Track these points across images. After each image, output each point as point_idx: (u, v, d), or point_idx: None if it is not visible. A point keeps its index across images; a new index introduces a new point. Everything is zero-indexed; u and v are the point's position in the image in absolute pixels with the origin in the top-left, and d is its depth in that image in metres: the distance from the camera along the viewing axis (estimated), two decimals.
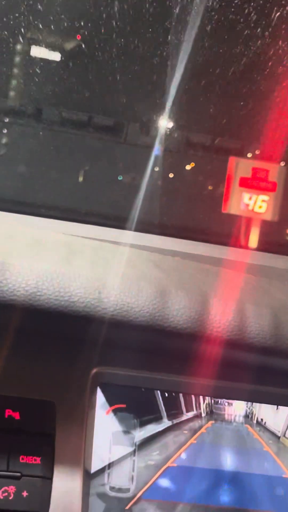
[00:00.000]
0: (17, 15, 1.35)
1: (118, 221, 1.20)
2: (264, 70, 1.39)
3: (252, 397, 0.95)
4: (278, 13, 1.32)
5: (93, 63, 1.44)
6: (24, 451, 0.84)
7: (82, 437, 0.86)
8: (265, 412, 0.95)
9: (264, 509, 0.92)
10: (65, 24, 1.38)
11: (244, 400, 0.95)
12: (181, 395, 0.92)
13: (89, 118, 1.43)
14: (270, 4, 1.32)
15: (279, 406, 0.95)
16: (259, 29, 1.35)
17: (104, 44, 1.38)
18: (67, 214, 1.20)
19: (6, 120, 1.50)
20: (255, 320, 0.88)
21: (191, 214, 1.43)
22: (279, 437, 0.95)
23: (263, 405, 0.95)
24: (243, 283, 0.97)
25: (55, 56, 1.46)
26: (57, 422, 0.86)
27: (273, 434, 0.95)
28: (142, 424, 0.90)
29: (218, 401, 0.94)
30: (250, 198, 1.34)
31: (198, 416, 0.93)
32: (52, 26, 1.41)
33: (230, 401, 0.94)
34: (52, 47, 1.45)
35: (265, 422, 0.95)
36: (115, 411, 0.90)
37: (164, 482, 0.89)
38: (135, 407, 0.90)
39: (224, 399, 0.94)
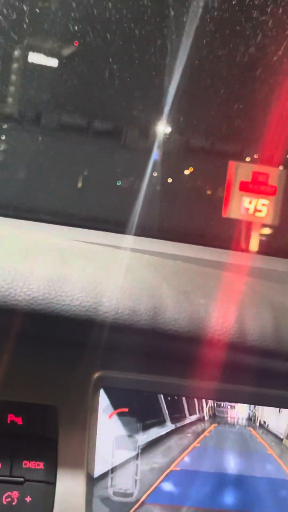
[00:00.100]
0: (14, 20, 1.35)
1: (120, 226, 1.20)
2: (264, 74, 1.39)
3: (255, 400, 0.95)
4: (277, 18, 1.32)
5: (91, 67, 1.44)
6: (27, 456, 0.83)
7: (85, 441, 0.86)
8: (268, 414, 0.95)
9: None
10: (63, 29, 1.38)
11: (247, 403, 0.95)
12: (183, 398, 0.92)
13: (88, 123, 1.43)
14: (269, 9, 1.32)
15: (281, 409, 0.95)
16: (258, 34, 1.35)
17: (102, 49, 1.38)
18: (66, 219, 1.20)
19: (5, 126, 1.50)
20: (256, 323, 0.88)
21: (191, 218, 1.43)
22: (282, 439, 0.95)
23: (266, 408, 0.95)
24: (243, 286, 0.98)
25: (53, 61, 1.46)
26: (59, 426, 0.85)
27: (276, 436, 0.94)
28: (145, 427, 0.90)
29: (220, 404, 0.94)
30: (250, 202, 1.34)
31: (201, 419, 0.93)
32: (50, 31, 1.41)
33: (232, 404, 0.94)
34: (50, 52, 1.45)
35: (267, 425, 0.95)
36: (117, 415, 0.89)
37: (168, 486, 0.89)
38: (138, 411, 0.90)
39: (226, 402, 0.94)
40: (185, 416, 0.92)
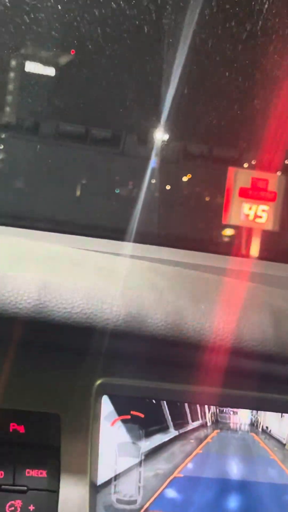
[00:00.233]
0: (11, 29, 1.36)
1: (119, 233, 1.20)
2: (262, 80, 1.39)
3: (257, 405, 0.94)
4: (275, 25, 1.32)
5: (89, 75, 1.44)
6: (30, 465, 0.83)
7: (88, 449, 0.86)
8: (270, 420, 0.95)
9: None
10: (60, 38, 1.39)
11: (249, 408, 0.94)
12: (186, 404, 0.92)
13: (86, 131, 1.43)
14: (267, 14, 1.32)
15: (284, 414, 0.95)
16: (256, 39, 1.35)
17: (100, 56, 1.39)
18: (66, 227, 1.20)
19: (3, 135, 1.51)
20: (257, 328, 0.88)
21: (191, 225, 1.43)
22: (284, 445, 0.94)
23: (268, 413, 0.95)
24: (244, 292, 0.98)
25: (51, 70, 1.47)
26: (62, 434, 0.85)
27: (278, 441, 0.94)
28: (148, 434, 0.90)
29: (223, 410, 0.93)
30: (250, 208, 1.34)
31: (204, 425, 0.92)
32: (47, 40, 1.42)
33: (235, 409, 0.94)
34: (47, 60, 1.46)
35: (270, 430, 0.94)
36: (120, 422, 0.89)
37: (171, 493, 0.89)
38: (140, 418, 0.90)
39: (229, 408, 0.94)
40: (187, 422, 0.92)
